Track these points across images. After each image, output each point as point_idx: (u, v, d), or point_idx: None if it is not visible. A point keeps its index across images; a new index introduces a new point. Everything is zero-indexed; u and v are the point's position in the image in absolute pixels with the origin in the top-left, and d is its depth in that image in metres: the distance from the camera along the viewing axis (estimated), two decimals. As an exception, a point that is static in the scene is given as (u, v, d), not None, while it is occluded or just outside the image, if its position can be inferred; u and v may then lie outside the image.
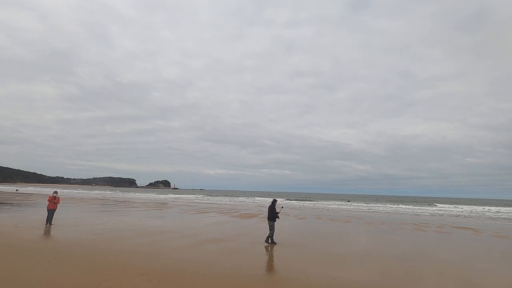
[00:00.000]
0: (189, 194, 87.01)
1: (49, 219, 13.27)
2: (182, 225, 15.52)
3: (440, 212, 37.88)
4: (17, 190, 77.10)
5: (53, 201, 13.57)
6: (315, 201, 61.62)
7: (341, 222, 21.38)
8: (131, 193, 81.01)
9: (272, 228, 10.94)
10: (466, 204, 63.01)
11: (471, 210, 42.80)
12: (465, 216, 32.56)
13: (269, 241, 10.82)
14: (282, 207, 14.08)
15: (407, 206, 49.33)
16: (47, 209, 13.43)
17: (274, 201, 11.41)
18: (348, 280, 6.51)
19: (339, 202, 57.49)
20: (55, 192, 14.18)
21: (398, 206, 50.36)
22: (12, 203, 28.06)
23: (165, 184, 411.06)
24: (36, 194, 55.45)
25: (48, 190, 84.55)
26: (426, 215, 32.80)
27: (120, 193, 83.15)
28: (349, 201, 67.65)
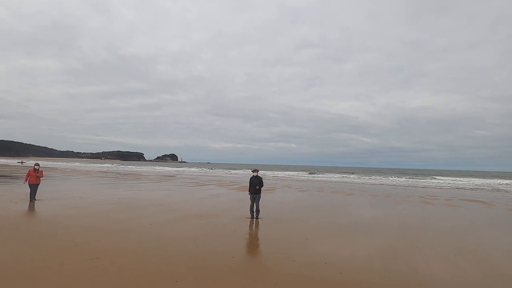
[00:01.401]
0: (194, 168, 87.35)
1: (32, 195, 11.85)
2: (173, 198, 14.70)
3: (448, 185, 36.70)
4: (22, 163, 78.13)
5: (35, 174, 11.95)
6: (320, 174, 60.89)
7: (344, 194, 20.43)
8: (137, 167, 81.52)
9: (258, 202, 9.94)
10: (476, 177, 61.46)
11: (481, 183, 41.42)
12: (475, 189, 31.35)
13: (258, 216, 9.88)
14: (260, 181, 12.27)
15: (414, 179, 48.17)
16: (29, 184, 11.85)
17: (256, 171, 10.25)
18: (342, 264, 5.46)
19: (344, 175, 56.63)
20: (37, 164, 12.45)
21: (404, 179, 49.26)
22: (12, 176, 27.82)
23: (173, 157, 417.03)
24: (43, 167, 55.81)
25: (56, 164, 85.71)
26: (433, 188, 31.68)
27: (126, 167, 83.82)
28: (353, 173, 66.79)
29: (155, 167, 79.70)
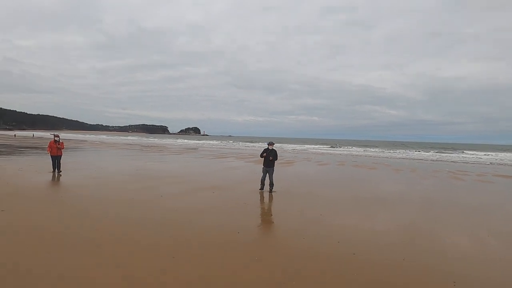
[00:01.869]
0: (215, 140, 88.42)
1: (55, 166, 11.86)
2: (189, 170, 14.73)
3: (481, 160, 34.45)
4: (54, 135, 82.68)
5: (56, 146, 11.99)
6: (342, 147, 59.45)
7: (366, 168, 19.63)
8: (161, 140, 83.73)
9: (272, 175, 9.63)
10: None
11: (519, 158, 38.50)
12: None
13: (272, 189, 9.57)
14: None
15: (443, 154, 45.70)
16: (51, 156, 11.96)
17: (271, 144, 9.81)
18: (357, 243, 5.03)
19: (367, 149, 54.88)
20: (57, 136, 12.52)
21: (432, 153, 46.89)
22: (44, 147, 29.34)
23: (195, 131, 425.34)
24: (71, 139, 58.67)
25: (85, 137, 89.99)
26: (464, 162, 29.83)
27: (150, 139, 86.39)
28: (377, 147, 64.62)
29: (177, 140, 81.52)
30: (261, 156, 9.56)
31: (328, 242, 5.09)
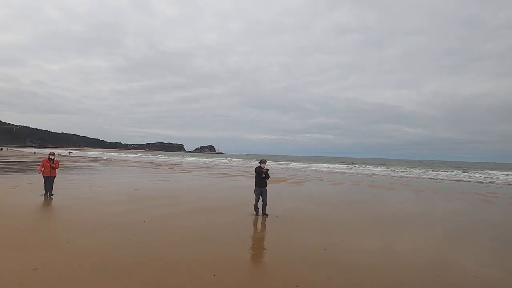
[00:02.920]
0: (229, 158, 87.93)
1: (47, 189, 10.09)
2: (190, 190, 13.82)
3: (509, 180, 31.79)
4: (70, 153, 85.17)
5: (50, 165, 10.13)
6: (357, 165, 57.32)
7: (383, 189, 18.13)
8: (175, 157, 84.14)
9: (265, 196, 8.61)
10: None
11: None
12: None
13: (265, 212, 8.49)
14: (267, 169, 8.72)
15: (468, 173, 42.87)
16: (44, 176, 10.12)
17: (264, 162, 8.84)
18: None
19: (385, 168, 52.53)
20: (52, 154, 10.74)
21: (455, 172, 44.15)
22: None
23: (210, 149, 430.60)
24: (86, 157, 59.66)
25: (103, 154, 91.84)
26: (493, 183, 27.49)
27: (165, 157, 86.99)
28: (395, 166, 61.96)
29: (192, 158, 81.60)
30: (255, 175, 8.63)
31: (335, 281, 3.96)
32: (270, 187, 16.75)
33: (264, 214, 8.40)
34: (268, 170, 8.64)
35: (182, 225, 6.98)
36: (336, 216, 9.02)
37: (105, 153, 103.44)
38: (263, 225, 7.52)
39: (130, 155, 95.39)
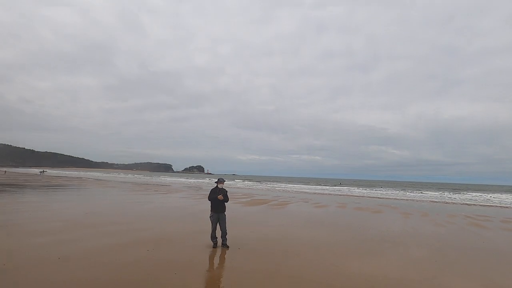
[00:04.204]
0: (215, 179, 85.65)
1: None
2: (149, 214, 12.20)
3: (497, 203, 31.34)
4: (42, 172, 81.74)
5: None
6: (344, 187, 56.42)
7: (370, 212, 17.03)
8: (160, 178, 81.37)
9: (224, 223, 7.29)
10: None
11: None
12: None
13: (226, 243, 7.13)
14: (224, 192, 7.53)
15: (454, 195, 42.46)
16: None
17: (221, 182, 7.52)
18: None
19: (372, 189, 51.80)
20: None
21: (442, 193, 43.73)
22: (11, 184, 27.32)
23: (199, 169, 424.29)
24: (62, 177, 56.79)
25: (85, 174, 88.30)
26: (480, 205, 26.86)
27: (149, 178, 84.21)
28: (382, 187, 61.41)
29: (178, 178, 79.13)
30: (209, 198, 7.27)
31: None
32: (248, 210, 15.55)
33: (224, 245, 7.05)
34: (226, 192, 7.35)
35: (109, 262, 5.52)
36: (316, 244, 7.79)
37: (87, 173, 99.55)
38: (221, 261, 6.09)
39: (112, 175, 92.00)
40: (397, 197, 33.58)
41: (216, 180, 7.52)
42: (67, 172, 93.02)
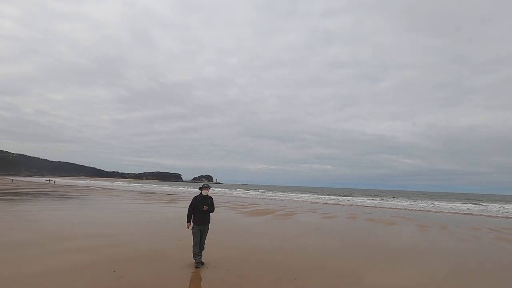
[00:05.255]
0: (226, 189, 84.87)
1: None
2: (141, 226, 11.18)
3: (521, 213, 29.19)
4: (49, 181, 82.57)
5: None
6: (355, 197, 54.52)
7: (383, 223, 15.70)
8: (168, 187, 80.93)
9: (205, 237, 6.22)
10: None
11: None
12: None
13: (199, 260, 5.97)
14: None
15: (473, 205, 40.18)
16: None
17: (205, 188, 6.37)
18: None
19: (384, 199, 49.78)
20: None
21: (458, 204, 41.45)
22: (15, 193, 26.96)
23: (208, 178, 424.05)
24: (70, 185, 56.81)
25: (95, 183, 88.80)
26: (503, 217, 24.95)
27: (158, 187, 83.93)
28: (394, 197, 59.13)
29: (187, 188, 78.55)
30: (190, 208, 6.14)
31: None
32: (251, 221, 14.44)
33: (198, 262, 5.90)
34: (212, 200, 6.30)
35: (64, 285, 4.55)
36: (323, 257, 6.67)
37: (96, 182, 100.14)
38: (197, 283, 5.01)
39: (121, 183, 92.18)
40: (411, 208, 31.81)
41: (201, 186, 6.40)
42: (77, 181, 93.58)
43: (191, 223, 6.11)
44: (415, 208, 31.24)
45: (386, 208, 30.40)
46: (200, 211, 6.04)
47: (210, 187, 6.55)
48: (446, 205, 39.41)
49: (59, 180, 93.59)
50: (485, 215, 25.67)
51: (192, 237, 6.02)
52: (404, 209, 29.70)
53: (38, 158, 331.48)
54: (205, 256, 6.23)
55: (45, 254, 6.19)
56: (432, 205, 38.92)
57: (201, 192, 6.29)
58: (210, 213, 6.28)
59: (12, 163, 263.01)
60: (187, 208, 6.18)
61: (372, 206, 32.02)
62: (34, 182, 70.20)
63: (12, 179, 78.06)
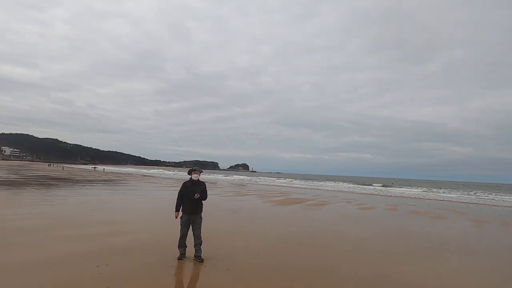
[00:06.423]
0: (262, 177, 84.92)
1: None
2: (150, 214, 10.78)
3: None
4: (95, 168, 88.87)
5: None
6: (396, 187, 50.83)
7: (429, 217, 13.83)
8: (207, 174, 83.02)
9: (199, 228, 5.31)
10: None
11: None
12: None
13: (200, 255, 5.19)
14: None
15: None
16: None
17: (195, 171, 5.52)
18: None
19: (429, 189, 45.65)
20: None
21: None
22: (66, 179, 28.83)
23: (244, 167, 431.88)
24: (115, 172, 60.40)
25: (139, 171, 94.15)
26: None
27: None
28: (441, 188, 54.20)
29: (223, 175, 79.96)
30: (178, 195, 5.39)
31: None
32: (277, 210, 13.48)
33: (198, 257, 5.15)
34: (204, 186, 5.45)
35: (78, 274, 4.09)
36: (357, 254, 5.54)
37: (139, 170, 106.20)
38: (181, 280, 4.28)
39: (160, 171, 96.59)
40: (462, 200, 28.47)
41: (191, 169, 5.55)
42: (123, 169, 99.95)
43: (180, 212, 5.34)
44: (466, 201, 27.91)
45: (432, 199, 27.54)
46: (190, 199, 5.22)
47: (202, 171, 5.68)
48: (505, 197, 34.83)
49: (108, 168, 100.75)
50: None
51: (180, 227, 5.25)
52: (453, 201, 26.64)
53: (91, 148, 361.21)
54: (207, 250, 5.43)
55: (43, 242, 5.83)
56: (488, 197, 34.67)
57: (190, 177, 5.46)
58: (203, 201, 5.45)
59: (69, 152, 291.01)
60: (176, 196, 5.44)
61: (416, 198, 29.27)
62: (84, 169, 76.19)
63: (63, 166, 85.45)
